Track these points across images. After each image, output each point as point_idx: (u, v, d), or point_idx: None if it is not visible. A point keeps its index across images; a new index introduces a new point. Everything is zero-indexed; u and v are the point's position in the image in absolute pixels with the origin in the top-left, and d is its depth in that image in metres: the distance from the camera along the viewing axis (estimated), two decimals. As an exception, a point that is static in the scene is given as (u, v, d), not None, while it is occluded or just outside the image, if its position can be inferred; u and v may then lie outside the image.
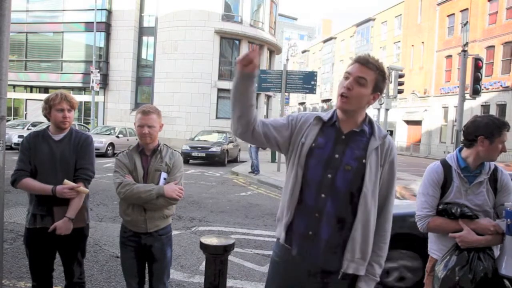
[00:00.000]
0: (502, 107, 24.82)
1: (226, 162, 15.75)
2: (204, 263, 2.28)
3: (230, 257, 3.65)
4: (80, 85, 26.11)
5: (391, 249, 1.83)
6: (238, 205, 7.83)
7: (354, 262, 1.63)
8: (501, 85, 24.77)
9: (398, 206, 2.60)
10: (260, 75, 13.27)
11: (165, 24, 24.44)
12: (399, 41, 35.99)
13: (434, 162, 2.34)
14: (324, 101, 51.72)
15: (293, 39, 66.13)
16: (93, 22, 22.75)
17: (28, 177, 2.43)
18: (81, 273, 2.63)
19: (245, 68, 1.54)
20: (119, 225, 2.62)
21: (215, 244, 2.14)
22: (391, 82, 14.88)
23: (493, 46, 25.46)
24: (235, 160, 17.27)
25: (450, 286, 2.05)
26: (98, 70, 22.98)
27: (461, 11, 28.11)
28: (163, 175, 2.46)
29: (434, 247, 2.30)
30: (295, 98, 57.37)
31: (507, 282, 2.02)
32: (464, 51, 13.05)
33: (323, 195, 1.64)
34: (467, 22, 13.79)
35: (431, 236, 2.33)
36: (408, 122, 33.84)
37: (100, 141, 15.22)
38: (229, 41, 24.66)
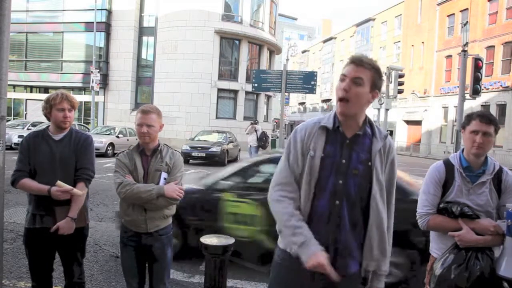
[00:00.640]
0: (502, 107, 24.79)
1: (226, 162, 15.73)
2: (204, 263, 2.28)
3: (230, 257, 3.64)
4: (80, 85, 26.08)
5: None
6: (238, 205, 7.80)
7: (374, 260, 1.69)
8: (501, 85, 24.73)
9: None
10: (260, 75, 13.29)
11: (165, 24, 24.42)
12: (399, 41, 35.98)
13: (437, 161, 2.35)
14: (324, 101, 51.74)
15: (293, 39, 66.20)
16: (93, 22, 22.74)
17: (27, 177, 2.43)
18: (81, 273, 2.63)
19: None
20: (119, 225, 2.62)
21: (215, 244, 2.15)
22: (391, 82, 14.88)
23: (493, 46, 25.43)
24: (235, 160, 17.23)
25: (446, 284, 2.05)
26: (98, 70, 22.96)
27: (461, 11, 28.08)
28: (163, 175, 2.45)
29: (435, 246, 2.30)
30: (295, 98, 57.41)
31: (505, 284, 2.00)
32: (464, 51, 13.05)
33: (337, 202, 1.66)
34: (467, 22, 13.80)
35: (432, 235, 2.34)
36: (408, 122, 33.83)
37: (100, 141, 15.22)
38: (229, 41, 24.64)
